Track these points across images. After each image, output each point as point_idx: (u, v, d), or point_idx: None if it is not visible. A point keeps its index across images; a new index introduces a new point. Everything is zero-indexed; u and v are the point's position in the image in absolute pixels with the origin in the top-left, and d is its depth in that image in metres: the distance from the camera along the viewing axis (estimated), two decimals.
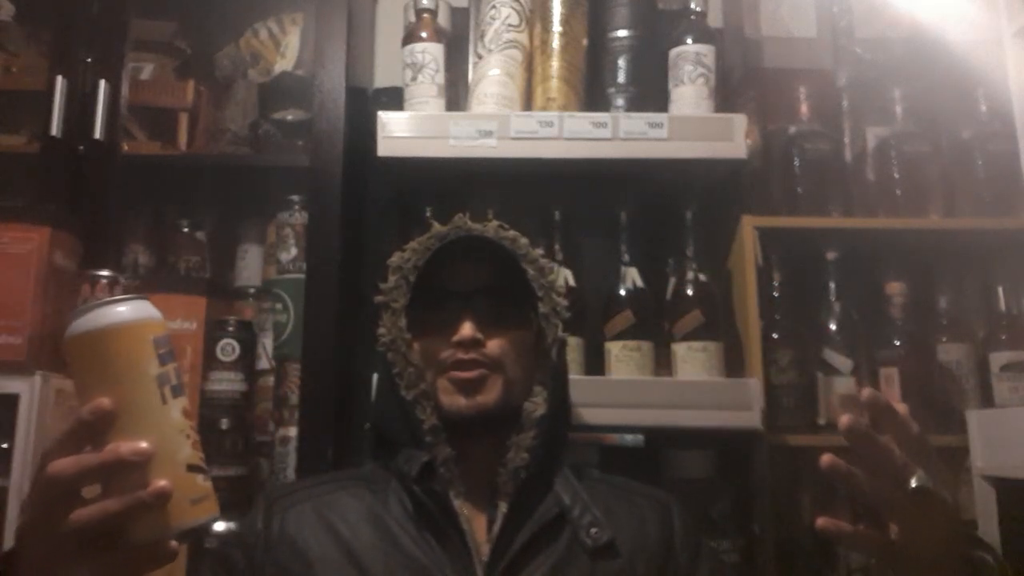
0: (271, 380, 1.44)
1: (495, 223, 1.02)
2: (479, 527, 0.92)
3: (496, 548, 0.88)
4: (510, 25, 1.44)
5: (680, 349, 1.38)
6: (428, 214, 1.38)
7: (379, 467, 0.99)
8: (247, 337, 1.37)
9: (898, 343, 1.48)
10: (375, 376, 1.08)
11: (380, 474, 0.97)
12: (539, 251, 1.03)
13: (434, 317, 0.96)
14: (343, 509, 0.93)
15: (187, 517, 0.62)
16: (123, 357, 0.62)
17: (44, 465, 0.60)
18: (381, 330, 0.99)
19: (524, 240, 1.02)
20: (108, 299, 0.64)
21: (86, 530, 0.59)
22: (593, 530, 0.91)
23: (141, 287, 1.29)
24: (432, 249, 0.97)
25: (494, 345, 0.95)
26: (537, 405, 0.96)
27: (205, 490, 0.64)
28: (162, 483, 0.60)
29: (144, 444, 0.60)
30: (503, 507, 0.92)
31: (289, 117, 1.57)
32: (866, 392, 0.71)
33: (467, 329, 0.93)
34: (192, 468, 0.63)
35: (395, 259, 1.00)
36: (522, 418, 0.95)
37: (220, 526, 1.02)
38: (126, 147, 1.47)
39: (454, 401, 0.94)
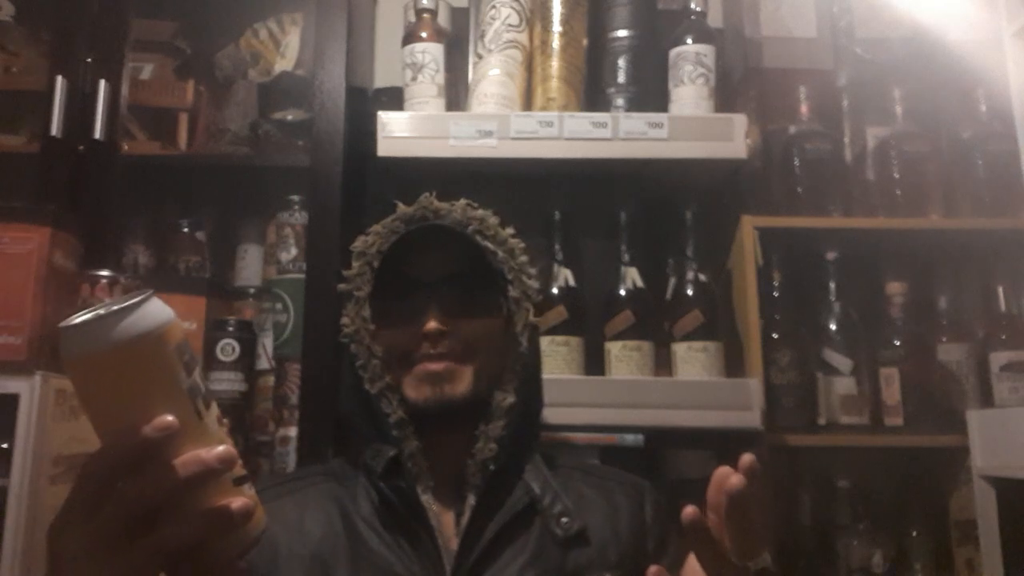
0: (271, 380, 1.44)
1: (463, 202, 0.98)
2: (448, 521, 0.90)
3: (464, 542, 0.87)
4: (510, 25, 1.44)
5: (680, 349, 1.38)
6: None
7: (347, 462, 0.97)
8: (247, 337, 1.37)
9: (898, 343, 1.48)
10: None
11: (348, 469, 0.96)
12: (509, 231, 0.98)
13: (399, 307, 0.92)
14: (312, 506, 0.91)
15: (249, 531, 0.57)
16: (148, 376, 0.54)
17: (88, 475, 0.54)
18: (344, 320, 0.95)
19: (493, 220, 0.97)
20: (112, 305, 0.53)
21: (154, 548, 0.53)
22: (564, 520, 0.89)
23: (141, 287, 1.29)
24: (398, 232, 0.93)
25: (462, 335, 0.91)
26: (507, 394, 0.92)
27: (254, 500, 0.58)
28: (241, 500, 0.55)
29: (219, 450, 0.55)
30: (472, 499, 0.90)
31: (289, 117, 1.57)
32: (746, 458, 0.72)
33: (433, 322, 0.89)
34: (239, 480, 0.57)
35: (358, 243, 0.96)
36: (491, 408, 0.92)
37: None
38: (126, 147, 1.47)
39: (421, 393, 0.90)
